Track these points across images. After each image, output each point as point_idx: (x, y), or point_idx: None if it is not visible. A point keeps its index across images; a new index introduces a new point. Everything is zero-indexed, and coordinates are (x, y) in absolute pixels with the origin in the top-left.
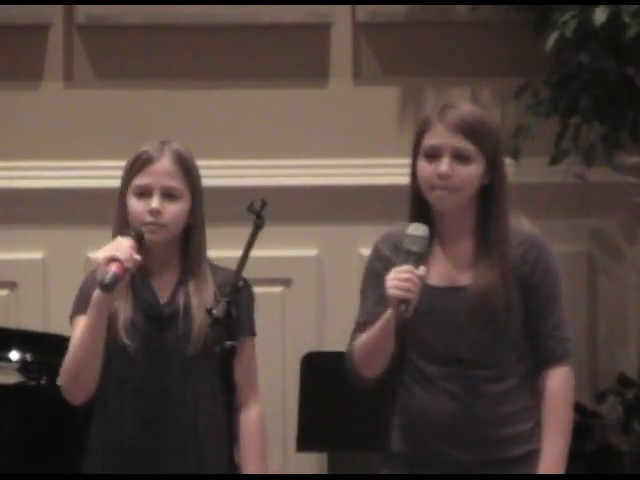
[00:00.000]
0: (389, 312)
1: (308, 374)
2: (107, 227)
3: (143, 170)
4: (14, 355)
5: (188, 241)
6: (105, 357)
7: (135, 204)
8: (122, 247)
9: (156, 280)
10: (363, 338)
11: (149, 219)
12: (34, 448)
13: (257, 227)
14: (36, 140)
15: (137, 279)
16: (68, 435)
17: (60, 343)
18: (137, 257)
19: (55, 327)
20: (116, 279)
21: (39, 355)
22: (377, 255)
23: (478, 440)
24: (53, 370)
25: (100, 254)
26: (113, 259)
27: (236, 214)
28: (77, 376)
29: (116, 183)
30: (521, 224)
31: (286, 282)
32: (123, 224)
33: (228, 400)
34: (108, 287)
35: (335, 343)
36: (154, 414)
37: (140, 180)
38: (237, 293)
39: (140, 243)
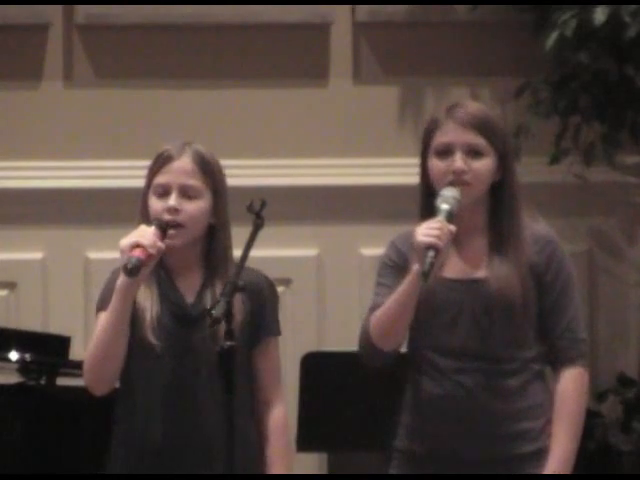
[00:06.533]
0: (412, 274)
1: (308, 374)
2: (107, 227)
3: (162, 169)
4: (14, 355)
5: (213, 242)
6: (132, 357)
7: (154, 203)
8: (146, 234)
9: (181, 281)
10: (382, 309)
11: (167, 217)
12: (34, 448)
13: (257, 227)
14: (36, 140)
15: (162, 279)
16: (68, 435)
17: (60, 343)
18: (161, 245)
19: (55, 327)
20: (140, 263)
21: (39, 355)
22: (395, 249)
23: (487, 435)
24: (53, 370)
25: (124, 241)
26: (137, 245)
27: (236, 214)
28: (100, 366)
29: (116, 183)
30: (536, 223)
31: (286, 282)
32: (145, 223)
33: (252, 400)
34: (132, 271)
35: (335, 343)
36: (181, 414)
37: (159, 179)
38: (254, 294)
39: (164, 234)
